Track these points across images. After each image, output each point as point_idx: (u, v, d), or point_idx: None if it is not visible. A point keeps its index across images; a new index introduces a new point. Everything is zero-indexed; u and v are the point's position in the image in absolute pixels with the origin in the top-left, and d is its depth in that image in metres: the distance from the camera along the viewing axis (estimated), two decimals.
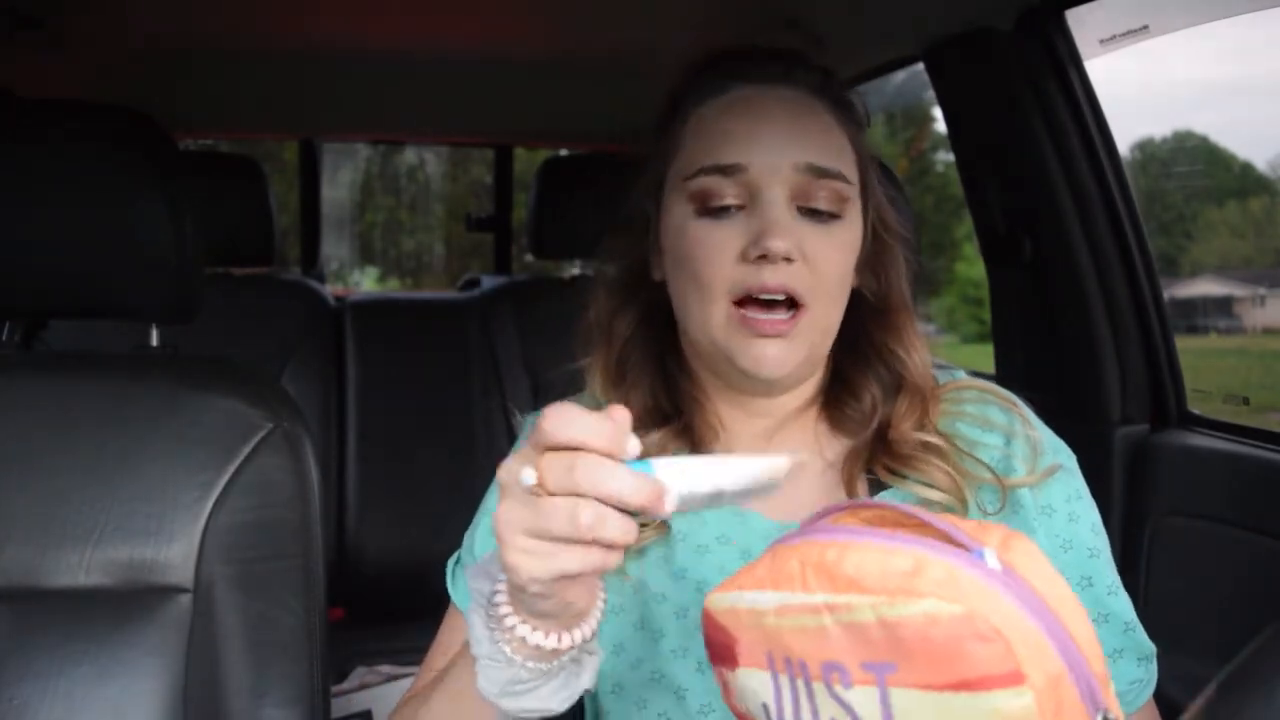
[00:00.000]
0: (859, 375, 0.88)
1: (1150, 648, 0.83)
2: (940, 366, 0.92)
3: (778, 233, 0.77)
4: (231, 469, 1.00)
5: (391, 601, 2.10)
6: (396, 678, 1.79)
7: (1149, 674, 0.82)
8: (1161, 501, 1.41)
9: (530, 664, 0.61)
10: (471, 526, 0.90)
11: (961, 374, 0.91)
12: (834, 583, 0.51)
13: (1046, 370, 1.58)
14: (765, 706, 0.56)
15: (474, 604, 0.64)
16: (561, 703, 0.64)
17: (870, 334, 0.87)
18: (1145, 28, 1.37)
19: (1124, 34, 1.40)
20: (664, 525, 0.83)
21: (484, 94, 2.15)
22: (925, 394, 0.86)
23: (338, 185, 5.13)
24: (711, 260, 0.79)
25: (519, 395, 2.22)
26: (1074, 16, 1.40)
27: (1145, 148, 2.33)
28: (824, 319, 0.81)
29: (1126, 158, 1.50)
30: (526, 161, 3.13)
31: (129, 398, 1.02)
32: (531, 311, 2.28)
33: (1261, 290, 2.60)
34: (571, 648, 0.62)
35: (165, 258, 1.05)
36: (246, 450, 1.00)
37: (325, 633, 1.00)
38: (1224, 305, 2.63)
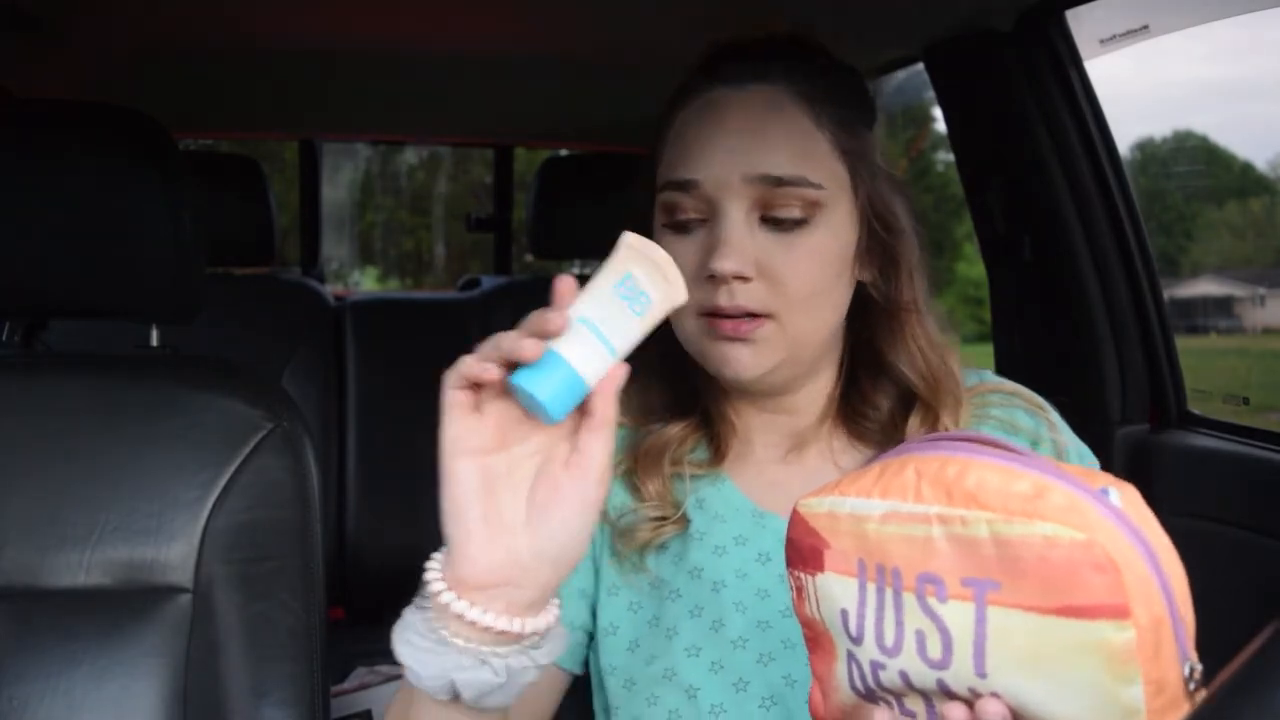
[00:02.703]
0: (870, 384, 0.85)
1: None
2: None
3: (727, 252, 0.75)
4: (231, 469, 1.00)
5: (391, 601, 2.08)
6: (396, 678, 1.79)
7: None
8: (1161, 501, 1.40)
9: (471, 645, 0.60)
10: None
11: (989, 375, 0.89)
12: (950, 496, 0.51)
13: (1046, 370, 1.57)
14: (844, 612, 0.56)
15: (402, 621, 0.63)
16: (425, 681, 0.61)
17: (876, 341, 0.84)
18: (1145, 28, 1.37)
19: (1124, 34, 1.40)
20: (683, 520, 0.83)
21: (484, 94, 2.15)
22: (937, 408, 0.82)
23: (338, 185, 5.12)
24: None
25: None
26: (1074, 16, 1.40)
27: (1145, 148, 2.33)
28: (796, 328, 0.79)
29: (1126, 158, 1.50)
30: (526, 161, 3.13)
31: (129, 398, 1.02)
32: (531, 312, 2.27)
33: (1261, 290, 2.61)
34: (474, 628, 0.60)
35: (165, 258, 1.05)
36: (246, 450, 1.00)
37: (325, 633, 1.00)
38: (1224, 305, 2.63)
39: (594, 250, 2.32)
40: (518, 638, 0.61)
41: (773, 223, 0.77)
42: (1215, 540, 1.31)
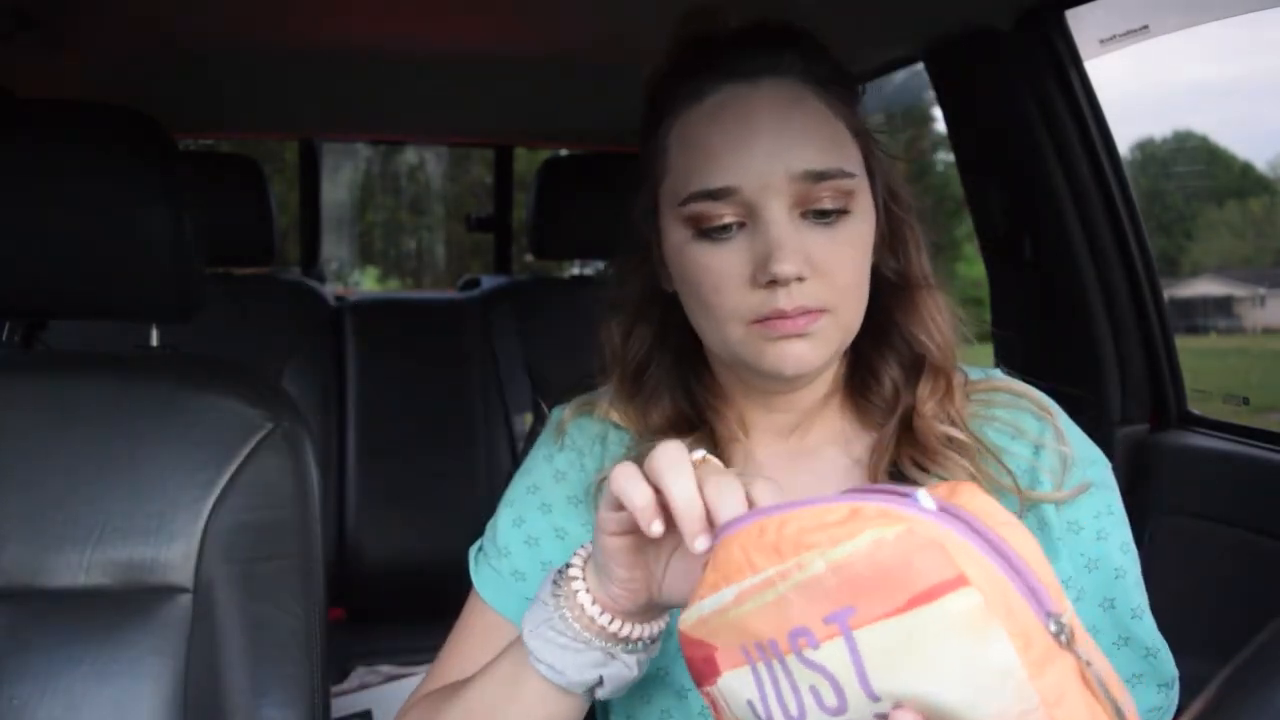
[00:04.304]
0: (877, 357, 0.84)
1: (1172, 673, 0.80)
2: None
3: (783, 256, 0.73)
4: (231, 469, 1.00)
5: (391, 601, 2.10)
6: (396, 678, 1.79)
7: (1169, 701, 0.80)
8: (1161, 501, 1.41)
9: (572, 622, 0.68)
10: (494, 516, 0.88)
11: (998, 374, 0.88)
12: (779, 552, 0.53)
13: (1046, 370, 1.57)
14: (751, 704, 0.56)
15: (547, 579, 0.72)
16: (570, 677, 0.69)
17: (890, 314, 0.83)
18: (1145, 28, 1.37)
19: (1124, 34, 1.40)
20: None
21: (484, 94, 2.15)
22: (949, 374, 0.82)
23: (338, 185, 5.12)
24: (720, 288, 0.76)
25: (519, 395, 2.22)
26: (1074, 16, 1.40)
27: (1145, 148, 2.33)
28: (846, 317, 0.78)
29: (1126, 158, 1.50)
30: (526, 161, 3.13)
31: (129, 398, 1.02)
32: (531, 311, 2.28)
33: (1261, 290, 2.60)
34: (614, 637, 0.68)
35: (165, 258, 1.05)
36: (246, 450, 1.00)
37: (325, 633, 1.00)
38: (1224, 305, 2.63)
39: (594, 250, 2.33)
40: (649, 641, 0.70)
41: (814, 217, 0.75)
42: (1215, 540, 1.31)
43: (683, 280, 0.80)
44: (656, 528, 0.61)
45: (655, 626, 0.70)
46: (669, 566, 0.67)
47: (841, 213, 0.76)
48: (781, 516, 0.53)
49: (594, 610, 0.68)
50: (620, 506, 0.63)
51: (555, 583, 0.70)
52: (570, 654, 0.68)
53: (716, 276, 0.76)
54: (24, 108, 1.21)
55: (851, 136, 0.79)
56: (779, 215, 0.74)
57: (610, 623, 0.68)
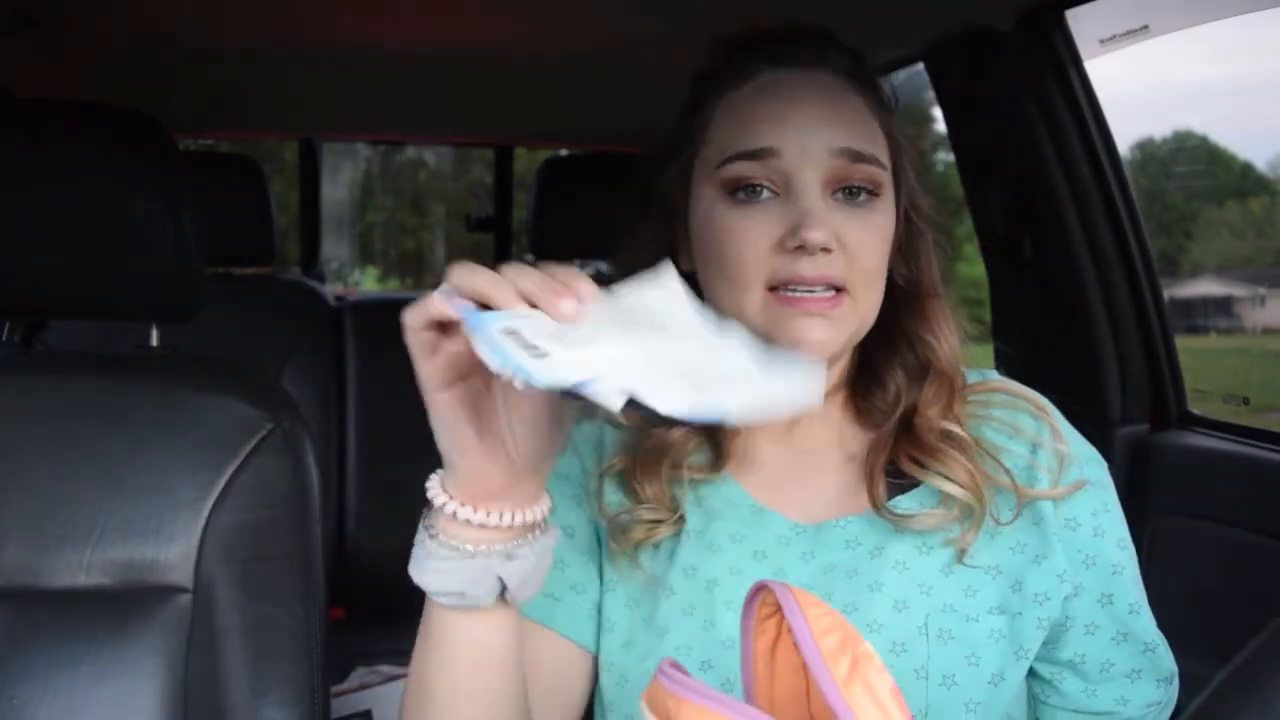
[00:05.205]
0: (885, 363, 0.85)
1: (1171, 669, 0.81)
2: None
3: (815, 223, 0.75)
4: (231, 469, 1.00)
5: (391, 601, 2.09)
6: (396, 678, 1.79)
7: (1168, 696, 0.81)
8: (1161, 501, 1.41)
9: (449, 540, 0.66)
10: None
11: (994, 375, 0.89)
12: None
13: (1046, 370, 1.58)
14: None
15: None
16: (474, 591, 0.67)
17: (900, 320, 0.85)
18: (1145, 28, 1.37)
19: (1124, 34, 1.40)
20: (679, 522, 0.83)
21: (484, 94, 2.15)
22: (953, 380, 0.84)
23: (338, 185, 5.12)
24: (745, 250, 0.77)
25: None
26: (1074, 16, 1.40)
27: (1145, 148, 2.33)
28: (864, 305, 0.79)
29: (1126, 158, 1.50)
30: (526, 161, 3.13)
31: (129, 398, 1.02)
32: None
33: (1261, 290, 2.60)
34: (497, 529, 0.66)
35: (165, 258, 1.05)
36: (246, 450, 1.00)
37: (325, 633, 1.00)
38: (1224, 305, 2.63)
39: (594, 250, 2.33)
40: (531, 527, 0.67)
41: (844, 197, 0.78)
42: (1215, 540, 1.32)
43: (705, 246, 0.81)
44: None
45: (539, 508, 0.67)
46: (514, 419, 0.64)
47: (871, 196, 0.79)
48: (684, 699, 0.54)
49: (466, 511, 0.66)
50: (434, 351, 0.61)
51: (421, 523, 0.70)
52: (465, 572, 0.66)
53: (742, 238, 0.77)
54: (24, 108, 1.21)
55: (885, 138, 0.82)
56: (813, 187, 0.77)
57: (488, 515, 0.66)
